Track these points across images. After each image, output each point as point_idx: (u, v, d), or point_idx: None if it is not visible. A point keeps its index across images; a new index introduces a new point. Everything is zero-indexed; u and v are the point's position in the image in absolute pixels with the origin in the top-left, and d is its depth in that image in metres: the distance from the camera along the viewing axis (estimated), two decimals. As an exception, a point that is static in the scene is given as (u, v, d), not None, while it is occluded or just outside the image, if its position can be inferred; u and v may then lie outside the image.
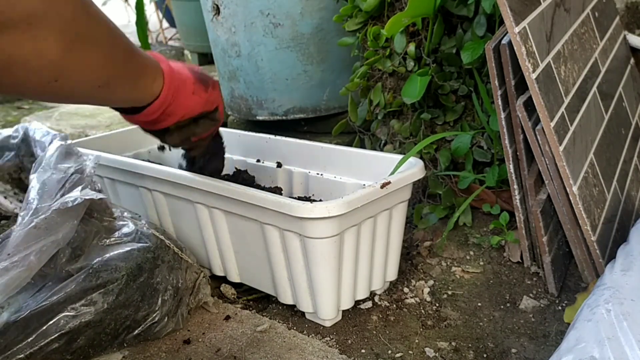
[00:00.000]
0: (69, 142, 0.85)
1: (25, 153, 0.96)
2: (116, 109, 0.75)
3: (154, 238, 0.82)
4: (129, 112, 0.73)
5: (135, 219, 0.85)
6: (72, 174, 0.75)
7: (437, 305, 0.92)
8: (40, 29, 0.47)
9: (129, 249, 0.79)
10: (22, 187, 0.99)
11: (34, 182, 0.74)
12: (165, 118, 0.74)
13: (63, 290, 0.72)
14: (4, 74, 0.48)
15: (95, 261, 0.76)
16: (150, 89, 0.69)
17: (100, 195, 0.75)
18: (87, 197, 0.72)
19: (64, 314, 0.72)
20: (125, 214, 0.86)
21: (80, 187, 0.74)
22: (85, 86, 0.57)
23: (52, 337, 0.71)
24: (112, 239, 0.80)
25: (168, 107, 0.72)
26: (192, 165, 0.94)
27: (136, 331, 0.79)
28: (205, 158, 0.92)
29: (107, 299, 0.75)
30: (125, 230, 0.82)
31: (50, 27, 0.48)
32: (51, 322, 0.71)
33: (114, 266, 0.76)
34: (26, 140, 0.96)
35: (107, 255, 0.77)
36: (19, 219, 0.69)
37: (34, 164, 0.79)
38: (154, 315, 0.80)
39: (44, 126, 0.92)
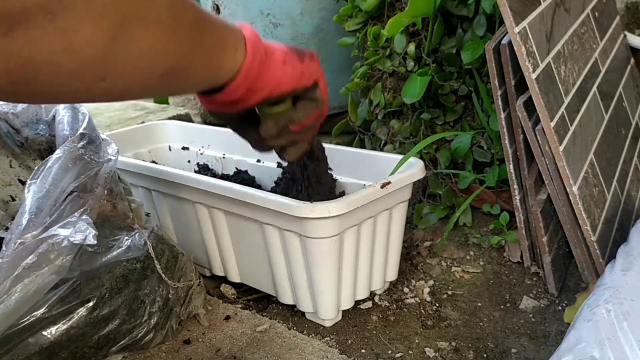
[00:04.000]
0: (85, 140, 0.72)
1: (51, 135, 0.87)
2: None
3: (147, 246, 0.78)
4: (207, 92, 0.58)
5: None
6: (70, 193, 0.65)
7: (437, 305, 0.92)
8: (70, 17, 0.35)
9: (115, 260, 0.74)
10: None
11: (27, 197, 0.65)
12: (251, 95, 0.58)
13: (45, 304, 0.68)
14: (30, 83, 0.36)
15: (78, 272, 0.71)
16: (230, 62, 0.54)
17: (90, 239, 0.63)
18: (76, 242, 0.61)
19: (45, 329, 0.68)
20: (144, 214, 0.82)
21: (76, 211, 0.64)
22: (143, 79, 0.44)
23: (33, 351, 0.68)
24: (100, 248, 0.75)
25: (254, 81, 0.57)
26: (290, 183, 0.79)
27: (121, 343, 0.75)
28: (310, 171, 0.78)
29: (90, 313, 0.71)
30: (114, 237, 0.77)
31: (83, 12, 0.35)
32: (32, 338, 0.67)
33: (98, 279, 0.72)
34: (53, 123, 0.84)
35: (93, 265, 0.72)
36: (4, 247, 0.61)
37: (37, 168, 0.71)
38: (141, 328, 0.77)
39: (68, 115, 0.77)
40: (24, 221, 0.62)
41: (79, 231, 0.61)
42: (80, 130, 0.72)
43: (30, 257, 0.58)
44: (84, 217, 0.63)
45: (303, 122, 0.66)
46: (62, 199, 0.64)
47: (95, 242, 0.62)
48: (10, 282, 0.56)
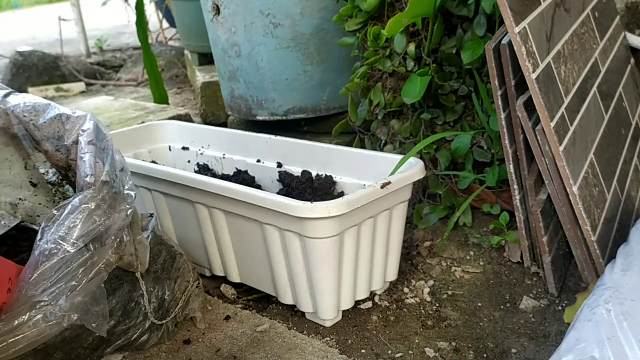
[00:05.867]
0: (104, 177, 0.69)
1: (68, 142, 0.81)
2: None
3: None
4: None
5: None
6: (81, 259, 0.64)
7: (437, 305, 0.92)
8: None
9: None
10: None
11: (40, 260, 0.63)
12: None
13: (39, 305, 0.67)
14: None
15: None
16: None
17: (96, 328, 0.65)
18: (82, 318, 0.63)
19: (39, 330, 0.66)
20: (141, 216, 0.82)
21: (88, 279, 0.63)
22: None
23: (27, 353, 0.66)
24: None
25: None
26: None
27: (116, 344, 0.75)
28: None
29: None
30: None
31: None
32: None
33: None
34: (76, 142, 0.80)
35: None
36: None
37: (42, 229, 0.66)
38: (135, 329, 0.76)
39: (92, 153, 0.72)
40: (31, 275, 0.62)
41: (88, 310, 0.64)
42: (103, 178, 0.69)
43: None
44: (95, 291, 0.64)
45: None
46: (75, 268, 0.64)
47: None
48: None
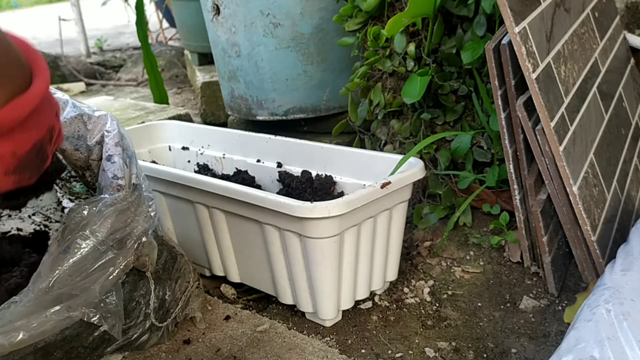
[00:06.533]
0: (136, 180, 0.70)
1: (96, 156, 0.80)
2: None
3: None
4: None
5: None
6: (104, 251, 0.64)
7: (437, 305, 0.92)
8: None
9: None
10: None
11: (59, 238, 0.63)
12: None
13: (40, 305, 0.66)
14: None
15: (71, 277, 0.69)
16: None
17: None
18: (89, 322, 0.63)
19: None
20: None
21: (107, 276, 0.64)
22: None
23: (27, 351, 0.67)
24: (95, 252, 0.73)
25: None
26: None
27: (116, 344, 0.75)
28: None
29: None
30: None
31: None
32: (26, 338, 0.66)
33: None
34: (100, 143, 0.78)
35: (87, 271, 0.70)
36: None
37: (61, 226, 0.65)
38: (136, 329, 0.76)
39: (120, 155, 0.73)
40: (51, 274, 0.61)
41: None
42: (133, 180, 0.70)
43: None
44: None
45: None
46: (97, 251, 0.64)
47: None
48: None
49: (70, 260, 0.61)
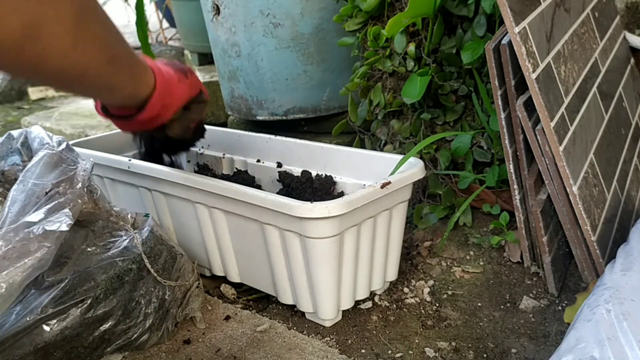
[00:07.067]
0: (63, 145, 0.81)
1: (27, 158, 0.94)
2: (114, 117, 0.75)
3: (143, 247, 0.78)
4: (127, 117, 0.74)
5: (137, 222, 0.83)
6: (50, 189, 0.70)
7: (437, 305, 0.92)
8: None
9: (111, 260, 0.75)
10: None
11: (9, 198, 0.70)
12: (165, 111, 0.76)
13: (39, 306, 0.69)
14: (29, 42, 0.48)
15: (74, 274, 0.72)
16: (144, 79, 0.70)
17: (63, 227, 0.67)
18: (48, 229, 0.65)
19: (39, 329, 0.69)
20: (130, 215, 0.83)
21: (55, 205, 0.68)
22: (97, 60, 0.57)
23: (27, 351, 0.68)
24: (97, 248, 0.75)
25: (166, 99, 0.74)
26: (165, 146, 0.97)
27: (116, 344, 0.76)
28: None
29: (85, 314, 0.71)
30: (113, 238, 0.78)
31: None
32: (26, 338, 0.68)
33: (92, 279, 0.73)
34: (26, 144, 0.92)
35: (88, 266, 0.73)
36: None
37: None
38: (136, 328, 0.77)
39: (42, 131, 0.88)
40: (4, 217, 0.66)
41: (56, 220, 0.67)
42: (59, 139, 0.83)
43: (7, 247, 0.62)
44: (64, 210, 0.68)
45: (198, 120, 0.89)
46: (42, 195, 0.69)
47: (68, 229, 0.67)
48: None
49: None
